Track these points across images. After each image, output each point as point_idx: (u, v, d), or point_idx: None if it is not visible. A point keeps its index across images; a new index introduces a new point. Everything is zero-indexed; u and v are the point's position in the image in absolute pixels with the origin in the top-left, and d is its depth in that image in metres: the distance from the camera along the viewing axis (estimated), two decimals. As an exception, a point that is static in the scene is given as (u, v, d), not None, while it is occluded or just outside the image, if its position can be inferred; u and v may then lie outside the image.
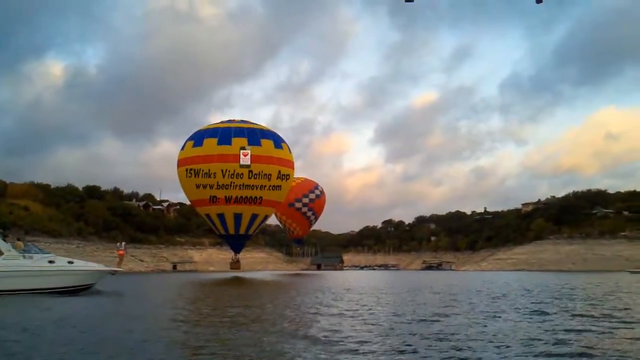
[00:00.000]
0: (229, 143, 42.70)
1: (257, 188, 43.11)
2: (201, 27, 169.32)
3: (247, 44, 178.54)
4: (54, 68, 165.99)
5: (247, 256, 66.76)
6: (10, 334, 10.16)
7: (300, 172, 64.17)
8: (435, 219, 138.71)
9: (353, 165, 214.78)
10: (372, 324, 11.90)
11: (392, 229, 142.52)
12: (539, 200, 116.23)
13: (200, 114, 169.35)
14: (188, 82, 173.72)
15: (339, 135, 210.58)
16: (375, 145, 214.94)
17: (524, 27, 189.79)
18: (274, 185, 44.17)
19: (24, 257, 20.19)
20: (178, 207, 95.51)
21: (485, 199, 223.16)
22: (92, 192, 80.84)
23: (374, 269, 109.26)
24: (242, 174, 42.34)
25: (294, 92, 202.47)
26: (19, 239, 23.35)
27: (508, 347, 8.82)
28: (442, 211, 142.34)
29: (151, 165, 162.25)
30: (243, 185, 42.57)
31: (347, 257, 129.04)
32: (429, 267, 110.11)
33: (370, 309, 15.65)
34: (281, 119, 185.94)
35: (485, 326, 11.49)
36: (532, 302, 17.92)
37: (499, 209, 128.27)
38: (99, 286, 22.49)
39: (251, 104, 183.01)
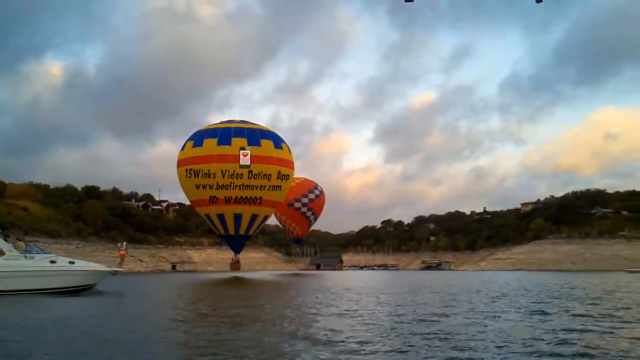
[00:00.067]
0: (229, 143, 42.68)
1: (257, 188, 43.09)
2: (200, 28, 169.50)
3: (246, 45, 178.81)
4: (53, 68, 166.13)
5: (246, 256, 66.66)
6: (11, 334, 10.18)
7: (299, 172, 64.05)
8: (434, 218, 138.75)
9: (352, 165, 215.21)
10: (373, 324, 11.91)
11: (392, 229, 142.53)
12: (538, 200, 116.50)
13: (199, 114, 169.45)
14: (187, 82, 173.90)
15: (338, 135, 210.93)
16: (374, 145, 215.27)
17: (523, 27, 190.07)
18: (273, 186, 44.15)
19: (25, 257, 20.22)
20: (177, 207, 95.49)
21: (484, 199, 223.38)
22: (91, 192, 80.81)
23: (373, 269, 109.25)
24: (242, 174, 42.32)
25: (293, 93, 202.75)
26: (20, 240, 23.36)
27: (509, 347, 8.83)
28: (442, 211, 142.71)
29: (150, 166, 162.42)
30: (243, 186, 42.55)
31: (346, 257, 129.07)
32: (428, 267, 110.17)
33: (370, 309, 15.67)
34: (280, 119, 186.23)
35: (486, 326, 11.51)
36: (532, 302, 17.97)
37: (498, 208, 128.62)
38: (100, 286, 22.51)
39: (250, 104, 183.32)
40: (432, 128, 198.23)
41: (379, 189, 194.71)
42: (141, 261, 70.61)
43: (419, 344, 9.12)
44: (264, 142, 43.94)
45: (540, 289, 26.57)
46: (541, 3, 13.57)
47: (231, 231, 44.66)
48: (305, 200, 68.39)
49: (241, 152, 42.20)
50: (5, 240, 20.35)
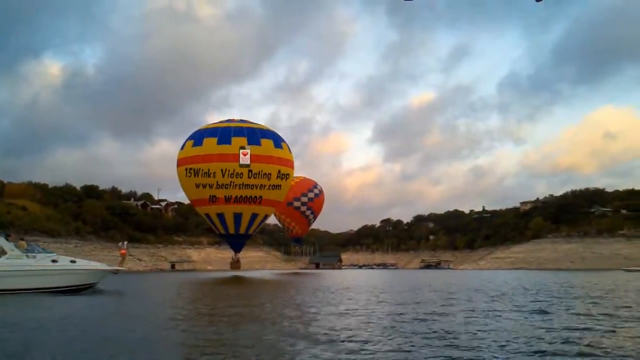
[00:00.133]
0: (229, 142, 42.64)
1: (256, 187, 43.07)
2: (199, 28, 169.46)
3: (245, 44, 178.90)
4: (52, 68, 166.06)
5: (246, 255, 66.54)
6: (11, 333, 10.15)
7: (299, 171, 64.00)
8: (433, 217, 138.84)
9: (351, 165, 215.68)
10: (373, 323, 11.89)
11: (391, 228, 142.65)
12: (537, 199, 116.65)
13: (198, 114, 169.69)
14: (186, 82, 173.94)
15: (337, 134, 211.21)
16: (373, 145, 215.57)
17: (522, 26, 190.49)
18: (273, 185, 44.13)
19: (27, 256, 20.23)
20: (176, 206, 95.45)
21: (483, 198, 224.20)
22: (90, 191, 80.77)
23: (372, 268, 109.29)
24: (241, 173, 42.29)
25: (292, 92, 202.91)
26: (22, 239, 23.35)
27: (511, 346, 8.82)
28: (441, 210, 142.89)
29: (149, 165, 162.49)
30: (243, 185, 42.53)
31: (345, 256, 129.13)
32: (428, 266, 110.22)
33: (370, 308, 15.66)
34: (279, 118, 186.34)
35: (487, 325, 11.51)
36: (532, 301, 17.97)
37: (497, 207, 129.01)
38: (100, 285, 22.52)
39: (249, 103, 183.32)
40: (431, 127, 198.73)
41: (378, 188, 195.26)
42: (140, 260, 70.57)
43: (419, 343, 9.09)
44: (264, 141, 43.92)
45: (540, 287, 26.58)
46: (540, 2, 13.56)
47: (231, 230, 44.66)
48: (304, 199, 68.40)
49: (241, 151, 42.18)
50: (7, 240, 20.36)
